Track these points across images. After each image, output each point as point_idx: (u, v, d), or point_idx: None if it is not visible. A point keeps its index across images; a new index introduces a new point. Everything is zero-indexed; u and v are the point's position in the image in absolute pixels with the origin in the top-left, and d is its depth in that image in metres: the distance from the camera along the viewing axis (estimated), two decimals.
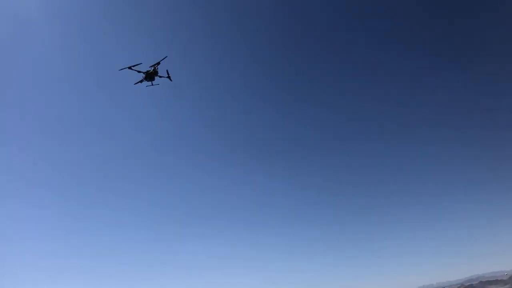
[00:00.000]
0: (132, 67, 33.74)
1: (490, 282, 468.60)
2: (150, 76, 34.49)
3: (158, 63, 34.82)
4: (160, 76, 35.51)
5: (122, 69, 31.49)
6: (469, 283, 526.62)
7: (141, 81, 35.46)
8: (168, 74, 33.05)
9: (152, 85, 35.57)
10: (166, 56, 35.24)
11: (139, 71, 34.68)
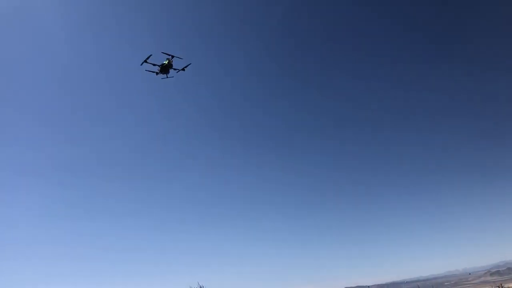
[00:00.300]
0: (146, 61, 34.21)
1: None
2: (165, 68, 34.51)
3: (173, 56, 35.17)
4: (175, 69, 35.50)
5: (142, 63, 31.90)
6: (496, 269, 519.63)
7: (156, 73, 35.75)
8: (183, 68, 33.26)
9: (167, 77, 35.62)
10: (190, 64, 35.92)
11: (154, 64, 35.08)
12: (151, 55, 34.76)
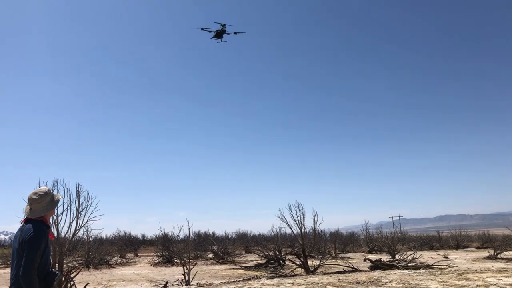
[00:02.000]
0: (204, 29, 43.16)
1: None
2: (219, 34, 43.43)
3: (225, 25, 44.79)
4: (228, 33, 44.43)
5: (194, 28, 42.58)
6: None
7: (212, 38, 44.35)
8: (235, 32, 43.94)
9: (221, 41, 44.18)
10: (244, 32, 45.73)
11: (210, 31, 43.41)
12: (212, 27, 44.71)
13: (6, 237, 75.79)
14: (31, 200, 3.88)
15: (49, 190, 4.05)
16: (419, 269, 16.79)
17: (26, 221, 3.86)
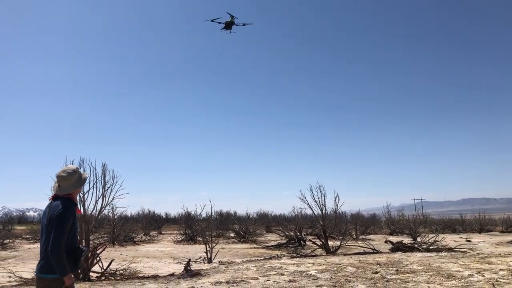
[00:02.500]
0: (213, 20, 44.37)
1: None
2: (228, 25, 44.65)
3: (233, 17, 44.97)
4: (237, 25, 45.33)
5: (205, 20, 44.19)
6: None
7: (221, 29, 45.91)
8: (244, 24, 45.05)
9: (231, 32, 45.53)
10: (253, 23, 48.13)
11: (219, 22, 44.57)
12: (220, 17, 45.54)
13: (35, 214, 78.08)
14: (59, 178, 4.00)
15: (77, 168, 4.18)
16: (441, 252, 16.70)
17: (54, 198, 3.98)
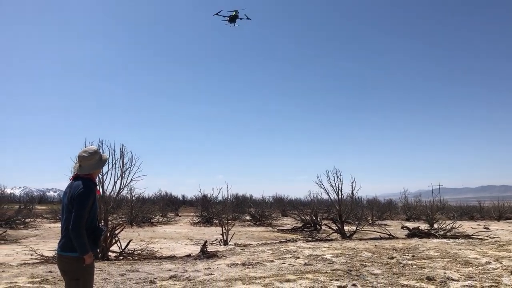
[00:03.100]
0: (218, 14, 45.08)
1: None
2: (232, 19, 45.23)
3: (237, 11, 45.52)
4: (241, 18, 45.65)
5: (214, 15, 44.35)
6: None
7: (226, 23, 46.34)
8: (247, 17, 45.28)
9: (235, 25, 46.05)
10: (251, 20, 46.95)
11: (224, 16, 45.14)
12: (221, 10, 46.58)
13: (55, 194, 79.61)
14: (81, 158, 4.06)
15: (97, 149, 4.25)
16: (458, 238, 16.57)
17: (75, 178, 4.04)
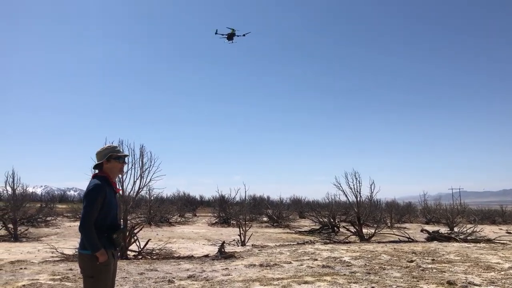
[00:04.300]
0: (217, 33, 51.88)
1: None
2: (230, 36, 51.85)
3: (233, 30, 51.89)
4: (238, 35, 52.31)
5: (216, 33, 51.59)
6: None
7: (224, 41, 53.18)
8: (244, 34, 51.99)
9: (232, 42, 53.11)
10: (250, 32, 53.86)
11: (222, 35, 51.94)
12: (216, 29, 53.41)
13: (75, 193, 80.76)
14: (96, 154, 4.12)
15: (112, 145, 4.29)
16: (479, 243, 16.27)
17: (93, 177, 4.08)
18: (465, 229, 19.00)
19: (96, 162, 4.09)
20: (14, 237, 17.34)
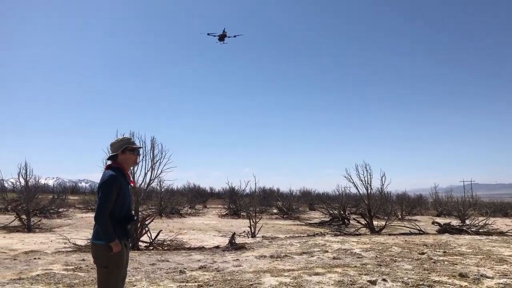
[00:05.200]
0: (209, 34, 53.09)
1: None
2: (221, 37, 52.71)
3: (224, 31, 52.71)
4: (229, 37, 53.35)
5: (208, 34, 52.84)
6: None
7: (216, 41, 54.19)
8: (235, 35, 53.23)
9: (223, 43, 54.28)
10: (242, 34, 57.31)
11: (214, 35, 52.88)
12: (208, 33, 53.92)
13: (87, 185, 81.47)
14: (111, 145, 4.15)
15: (126, 137, 4.32)
16: (492, 235, 16.15)
17: (107, 167, 4.11)
18: (477, 222, 18.86)
19: (111, 153, 4.12)
20: (28, 228, 17.57)
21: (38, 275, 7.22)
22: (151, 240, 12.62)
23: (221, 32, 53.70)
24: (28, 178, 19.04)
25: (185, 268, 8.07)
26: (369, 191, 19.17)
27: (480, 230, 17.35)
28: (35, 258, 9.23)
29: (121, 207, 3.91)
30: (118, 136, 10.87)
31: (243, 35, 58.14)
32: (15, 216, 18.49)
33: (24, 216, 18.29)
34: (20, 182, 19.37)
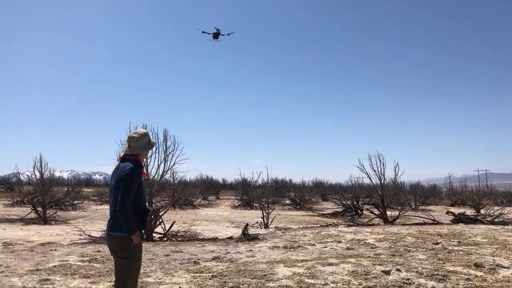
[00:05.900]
0: (204, 32, 55.06)
1: None
2: (215, 35, 54.96)
3: (218, 29, 54.74)
4: (223, 35, 55.57)
5: (203, 32, 55.00)
6: None
7: (210, 39, 56.05)
8: (228, 33, 54.89)
9: (218, 40, 56.52)
10: (234, 32, 57.27)
11: (208, 33, 55.00)
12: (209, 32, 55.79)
13: (101, 177, 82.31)
14: (130, 138, 4.14)
15: (147, 132, 4.34)
16: (507, 225, 15.97)
17: (122, 159, 4.14)
18: (492, 211, 18.68)
19: (131, 148, 4.14)
20: (44, 220, 17.83)
21: (54, 266, 7.32)
22: (165, 231, 12.72)
23: (214, 31, 55.14)
24: (43, 171, 19.28)
25: (199, 259, 8.12)
26: (382, 181, 19.07)
27: (496, 220, 17.18)
28: (51, 250, 9.37)
29: (139, 199, 4.00)
30: (132, 130, 10.91)
31: (235, 33, 58.55)
32: (31, 209, 18.75)
33: (40, 209, 18.55)
34: (35, 175, 19.60)
